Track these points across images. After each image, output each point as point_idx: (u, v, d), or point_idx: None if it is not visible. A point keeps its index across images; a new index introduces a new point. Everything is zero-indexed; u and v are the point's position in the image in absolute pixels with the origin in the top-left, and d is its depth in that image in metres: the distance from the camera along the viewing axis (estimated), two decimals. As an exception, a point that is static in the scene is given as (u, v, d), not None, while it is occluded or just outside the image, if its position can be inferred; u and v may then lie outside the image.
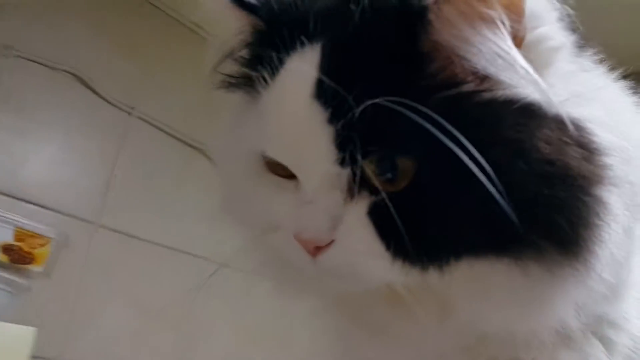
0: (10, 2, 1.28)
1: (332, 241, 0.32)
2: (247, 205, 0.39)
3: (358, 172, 0.31)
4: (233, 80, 0.39)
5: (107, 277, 1.36)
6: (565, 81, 0.32)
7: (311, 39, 0.32)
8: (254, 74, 0.35)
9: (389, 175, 0.30)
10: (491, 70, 0.29)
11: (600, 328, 0.36)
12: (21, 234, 1.04)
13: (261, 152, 0.35)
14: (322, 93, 0.31)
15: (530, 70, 0.30)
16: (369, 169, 0.31)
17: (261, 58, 0.34)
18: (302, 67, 0.32)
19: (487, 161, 0.28)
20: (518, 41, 0.30)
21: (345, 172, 0.31)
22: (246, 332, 1.59)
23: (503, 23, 0.29)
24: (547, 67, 0.31)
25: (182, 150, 1.54)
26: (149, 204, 1.47)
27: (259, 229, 0.38)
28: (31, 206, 1.26)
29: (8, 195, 1.24)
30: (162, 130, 1.51)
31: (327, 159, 0.31)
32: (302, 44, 0.32)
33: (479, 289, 0.31)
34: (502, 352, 0.36)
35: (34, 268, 1.07)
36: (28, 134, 1.31)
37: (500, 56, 0.29)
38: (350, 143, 0.30)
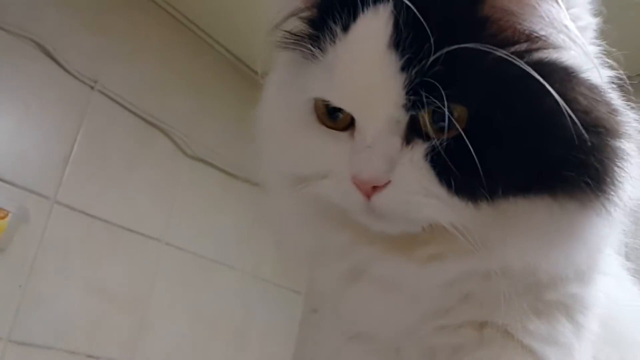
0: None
1: (389, 182, 0.35)
2: (296, 155, 0.41)
3: (423, 117, 0.34)
4: (295, 39, 0.40)
5: (62, 256, 1.31)
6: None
7: None
8: (322, 30, 0.37)
9: (441, 124, 0.34)
10: (545, 32, 0.34)
11: (571, 309, 0.41)
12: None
13: (321, 100, 0.38)
14: (398, 43, 0.34)
15: (580, 35, 0.35)
16: (427, 117, 0.35)
17: (331, 15, 0.37)
18: (378, 21, 0.35)
19: (540, 108, 0.33)
20: None
21: (406, 119, 0.35)
22: (203, 319, 1.58)
23: None
24: None
25: (142, 128, 1.51)
26: (106, 182, 1.42)
27: (305, 178, 0.40)
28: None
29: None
30: (123, 106, 1.46)
31: (394, 104, 0.34)
32: (374, 2, 0.36)
33: (522, 225, 0.36)
34: (478, 313, 0.40)
35: (-9, 242, 1.02)
36: (-17, 102, 1.24)
37: (553, 21, 0.34)
38: (419, 90, 0.33)
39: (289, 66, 0.42)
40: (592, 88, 0.35)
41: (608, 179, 0.34)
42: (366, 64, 0.35)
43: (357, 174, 0.36)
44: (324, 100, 0.38)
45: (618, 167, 0.35)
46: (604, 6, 0.40)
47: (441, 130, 0.34)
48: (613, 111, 0.36)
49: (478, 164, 0.32)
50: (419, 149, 0.35)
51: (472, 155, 0.33)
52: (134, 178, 1.48)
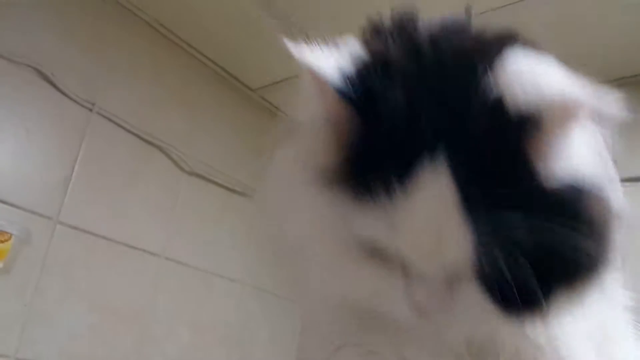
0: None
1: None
2: (345, 283, 0.41)
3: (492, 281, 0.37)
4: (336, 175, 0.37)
5: (65, 274, 1.36)
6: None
7: (434, 149, 0.34)
8: (372, 175, 0.35)
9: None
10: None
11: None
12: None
13: (381, 245, 0.37)
14: (465, 205, 0.34)
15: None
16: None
17: (381, 161, 0.35)
18: (441, 177, 0.34)
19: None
20: None
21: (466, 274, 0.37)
22: (204, 331, 1.62)
23: None
24: None
25: (140, 147, 1.55)
26: (107, 200, 1.47)
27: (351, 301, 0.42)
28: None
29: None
30: (122, 127, 1.51)
31: (459, 261, 0.36)
32: (431, 154, 0.34)
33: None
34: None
35: (-3, 264, 1.06)
36: (-14, 128, 1.28)
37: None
38: (487, 258, 0.35)
39: (317, 192, 0.38)
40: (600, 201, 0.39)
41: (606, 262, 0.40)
42: (436, 222, 0.35)
43: (426, 305, 0.38)
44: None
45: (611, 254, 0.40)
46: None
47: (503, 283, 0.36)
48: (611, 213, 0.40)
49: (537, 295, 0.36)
50: (478, 290, 0.38)
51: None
52: (134, 195, 1.53)
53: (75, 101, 1.43)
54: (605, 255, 0.39)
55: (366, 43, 0.38)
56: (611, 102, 0.35)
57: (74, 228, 1.39)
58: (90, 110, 1.46)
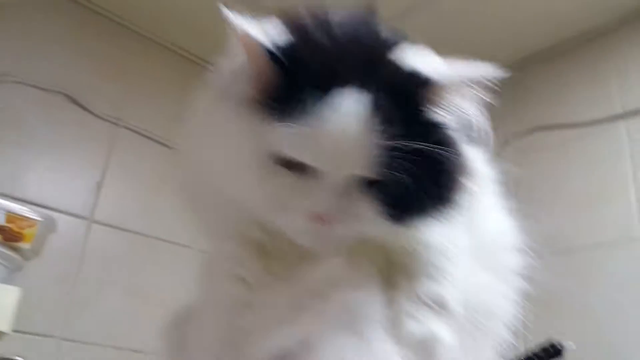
0: (4, 32, 1.54)
1: (345, 217, 0.46)
2: (255, 192, 0.48)
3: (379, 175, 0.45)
4: (256, 101, 0.46)
5: (102, 265, 1.54)
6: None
7: (349, 79, 0.44)
8: (291, 99, 0.44)
9: (389, 178, 0.45)
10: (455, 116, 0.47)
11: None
12: (11, 218, 1.24)
13: (291, 157, 0.45)
14: (372, 121, 0.43)
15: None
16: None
17: (301, 88, 0.43)
18: (354, 100, 0.43)
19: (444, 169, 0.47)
20: None
21: (367, 176, 0.45)
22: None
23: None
24: None
25: (163, 153, 1.74)
26: (137, 201, 1.66)
27: (264, 211, 0.49)
28: (32, 206, 1.47)
29: (13, 198, 1.46)
30: (144, 135, 1.71)
31: (361, 167, 0.44)
32: (345, 82, 0.43)
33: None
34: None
35: (23, 245, 1.25)
36: (29, 148, 1.54)
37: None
38: (383, 159, 0.43)
39: (242, 116, 0.47)
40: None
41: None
42: (347, 143, 0.43)
43: (323, 213, 0.45)
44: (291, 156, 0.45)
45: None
46: None
47: (386, 183, 0.45)
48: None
49: (411, 201, 0.46)
50: (373, 196, 0.46)
51: (408, 196, 0.45)
52: (161, 195, 1.70)
53: (102, 118, 1.66)
54: (465, 185, 0.48)
55: (286, 17, 0.48)
56: (484, 75, 0.46)
57: (108, 225, 1.58)
58: (117, 125, 1.68)
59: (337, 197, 0.45)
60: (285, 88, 0.44)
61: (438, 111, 0.46)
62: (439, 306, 0.50)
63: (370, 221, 0.47)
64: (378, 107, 0.43)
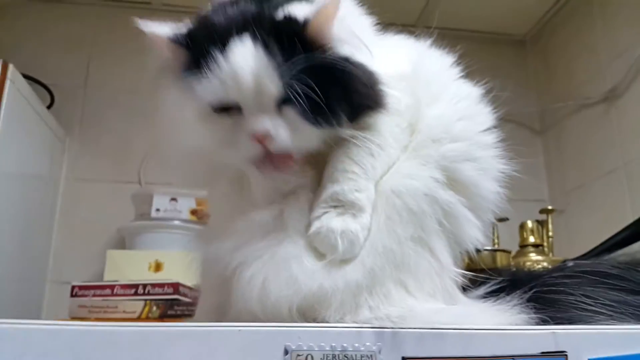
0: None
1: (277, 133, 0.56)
2: (208, 140, 0.60)
3: (297, 101, 0.55)
4: (180, 69, 0.59)
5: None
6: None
7: (242, 33, 0.56)
8: (204, 59, 0.56)
9: (300, 95, 0.54)
10: (338, 39, 0.59)
11: None
12: (200, 201, 1.55)
13: (218, 102, 0.57)
14: (267, 57, 0.55)
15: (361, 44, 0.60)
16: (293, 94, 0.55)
17: (207, 50, 0.56)
18: (248, 45, 0.55)
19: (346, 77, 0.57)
20: None
21: (281, 98, 0.56)
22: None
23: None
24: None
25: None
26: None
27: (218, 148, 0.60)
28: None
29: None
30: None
31: (269, 91, 0.55)
32: (239, 35, 0.56)
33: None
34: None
35: (212, 221, 1.54)
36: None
37: (340, 34, 0.58)
38: (287, 83, 0.54)
39: (176, 88, 0.60)
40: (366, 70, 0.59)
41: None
42: (251, 73, 0.54)
43: (260, 131, 0.56)
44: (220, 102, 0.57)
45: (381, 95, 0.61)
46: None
47: (300, 99, 0.55)
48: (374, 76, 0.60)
49: (327, 110, 0.56)
50: (291, 109, 0.56)
51: (322, 106, 0.55)
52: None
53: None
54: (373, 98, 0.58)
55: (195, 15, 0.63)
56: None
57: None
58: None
59: (266, 119, 0.56)
60: (195, 58, 0.57)
61: (322, 38, 0.57)
62: (336, 203, 0.58)
63: (298, 130, 0.56)
64: (269, 45, 0.55)
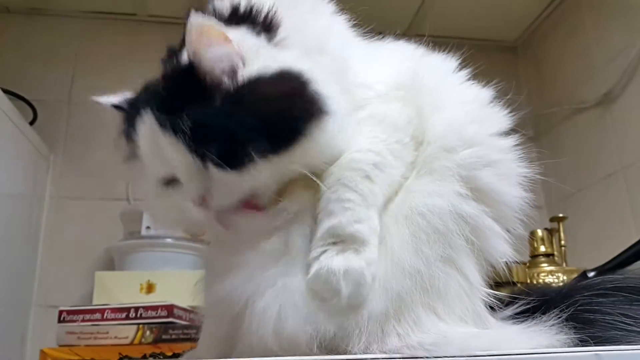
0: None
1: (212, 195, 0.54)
2: (163, 207, 0.60)
3: (206, 160, 0.52)
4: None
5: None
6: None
7: (144, 108, 0.55)
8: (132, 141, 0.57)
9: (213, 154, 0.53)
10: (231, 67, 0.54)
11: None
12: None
13: (161, 176, 0.57)
14: (166, 130, 0.52)
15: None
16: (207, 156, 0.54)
17: (127, 131, 0.58)
18: (149, 123, 0.54)
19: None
20: None
21: (196, 164, 0.52)
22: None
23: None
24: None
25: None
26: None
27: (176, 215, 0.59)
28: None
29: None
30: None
31: (189, 163, 0.53)
32: (142, 111, 0.55)
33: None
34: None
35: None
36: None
37: (230, 58, 0.54)
38: (192, 149, 0.52)
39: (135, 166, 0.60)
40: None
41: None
42: (158, 146, 0.54)
43: (194, 197, 0.54)
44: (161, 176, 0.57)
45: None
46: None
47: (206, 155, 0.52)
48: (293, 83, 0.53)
49: (242, 151, 0.52)
50: (209, 165, 0.52)
51: (234, 150, 0.51)
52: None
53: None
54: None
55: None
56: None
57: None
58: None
59: (196, 182, 0.53)
60: (125, 131, 0.58)
61: (212, 70, 0.52)
62: (335, 239, 0.52)
63: (226, 182, 0.52)
64: (161, 113, 0.53)
